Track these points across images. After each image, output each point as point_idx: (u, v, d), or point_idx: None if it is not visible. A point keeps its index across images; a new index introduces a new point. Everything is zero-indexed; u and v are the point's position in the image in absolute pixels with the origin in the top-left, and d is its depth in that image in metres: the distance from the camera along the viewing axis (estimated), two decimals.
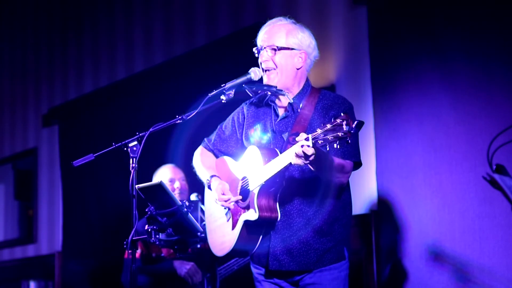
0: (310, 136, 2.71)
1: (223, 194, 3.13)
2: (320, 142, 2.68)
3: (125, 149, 3.09)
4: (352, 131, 2.62)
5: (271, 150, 3.07)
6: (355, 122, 2.63)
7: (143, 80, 6.65)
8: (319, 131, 2.69)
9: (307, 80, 3.23)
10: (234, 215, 3.16)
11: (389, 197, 4.69)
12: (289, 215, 3.08)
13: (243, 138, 3.29)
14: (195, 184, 4.67)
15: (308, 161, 2.78)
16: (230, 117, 3.40)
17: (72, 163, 3.20)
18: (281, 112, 3.20)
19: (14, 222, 8.31)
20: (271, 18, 5.36)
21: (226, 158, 3.35)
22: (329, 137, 2.65)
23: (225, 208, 3.23)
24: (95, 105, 7.12)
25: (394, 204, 4.65)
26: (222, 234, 3.23)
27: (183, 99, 5.95)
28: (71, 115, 7.41)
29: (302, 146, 2.73)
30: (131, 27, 6.98)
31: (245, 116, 3.31)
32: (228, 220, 3.19)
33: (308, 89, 3.19)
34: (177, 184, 4.65)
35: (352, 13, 5.09)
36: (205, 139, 3.47)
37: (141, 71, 6.75)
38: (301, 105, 3.11)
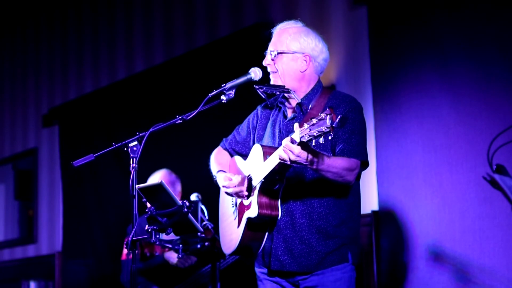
0: (298, 130, 2.72)
1: (231, 180, 3.15)
2: (307, 137, 2.68)
3: (125, 149, 3.09)
4: (334, 126, 2.61)
5: (272, 148, 3.08)
6: (339, 117, 2.62)
7: (143, 80, 6.66)
8: (305, 126, 2.69)
9: (319, 81, 3.23)
10: (240, 213, 3.18)
11: (389, 197, 4.69)
12: (292, 215, 3.08)
13: (256, 139, 3.31)
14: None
15: (296, 158, 2.79)
16: (246, 119, 3.44)
17: (72, 163, 3.20)
18: (289, 113, 3.21)
19: (14, 222, 8.32)
20: (271, 18, 5.35)
21: (236, 157, 3.40)
22: (314, 131, 2.65)
23: (232, 206, 3.27)
24: (95, 105, 7.13)
25: (394, 204, 4.66)
26: (230, 232, 3.26)
27: (183, 99, 5.97)
28: (71, 115, 7.41)
29: (289, 142, 2.75)
30: (131, 27, 6.98)
31: (258, 117, 3.35)
32: (235, 219, 3.22)
33: (319, 90, 3.19)
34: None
35: (352, 13, 5.10)
36: (224, 139, 3.51)
37: (141, 71, 6.76)
38: (310, 106, 3.12)
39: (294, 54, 3.15)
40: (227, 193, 3.21)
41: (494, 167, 2.68)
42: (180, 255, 4.25)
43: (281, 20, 3.30)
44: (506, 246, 4.11)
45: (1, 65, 8.67)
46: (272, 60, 3.16)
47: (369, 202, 4.79)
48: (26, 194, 8.02)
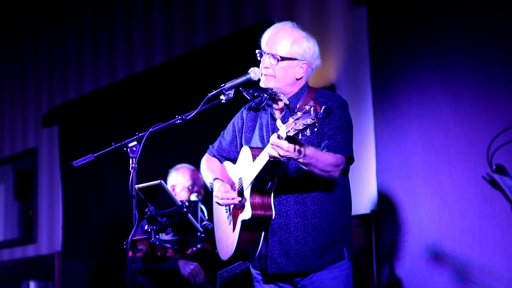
0: (283, 126, 2.71)
1: (227, 192, 3.14)
2: (293, 132, 2.68)
3: (125, 149, 3.09)
4: (319, 116, 2.61)
5: (261, 149, 3.06)
6: (323, 107, 2.62)
7: (143, 80, 6.66)
8: (291, 120, 2.69)
9: (306, 82, 3.23)
10: (234, 217, 3.16)
11: (389, 197, 4.69)
12: (287, 216, 3.07)
13: (243, 143, 3.29)
14: None
15: (286, 153, 2.78)
16: (230, 123, 3.41)
17: (72, 163, 3.20)
18: (277, 115, 3.20)
19: (14, 222, 8.31)
20: (271, 18, 5.33)
21: (225, 163, 3.38)
22: (300, 125, 2.65)
23: (226, 211, 3.25)
24: (95, 105, 7.13)
25: (394, 204, 4.65)
26: (226, 238, 3.24)
27: (183, 99, 5.97)
28: (71, 115, 7.41)
29: (277, 137, 2.75)
30: (131, 27, 6.98)
31: (244, 120, 3.32)
32: (230, 223, 3.20)
33: (305, 89, 3.19)
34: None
35: (352, 13, 5.09)
36: (210, 146, 3.49)
37: (141, 71, 6.75)
38: (298, 106, 3.10)
39: (295, 61, 3.13)
40: (218, 203, 3.19)
41: (494, 167, 2.68)
42: (178, 256, 4.24)
43: (281, 20, 3.28)
44: (506, 246, 4.11)
45: (1, 65, 8.67)
46: (274, 64, 3.13)
47: (369, 202, 4.79)
48: (26, 194, 8.01)
